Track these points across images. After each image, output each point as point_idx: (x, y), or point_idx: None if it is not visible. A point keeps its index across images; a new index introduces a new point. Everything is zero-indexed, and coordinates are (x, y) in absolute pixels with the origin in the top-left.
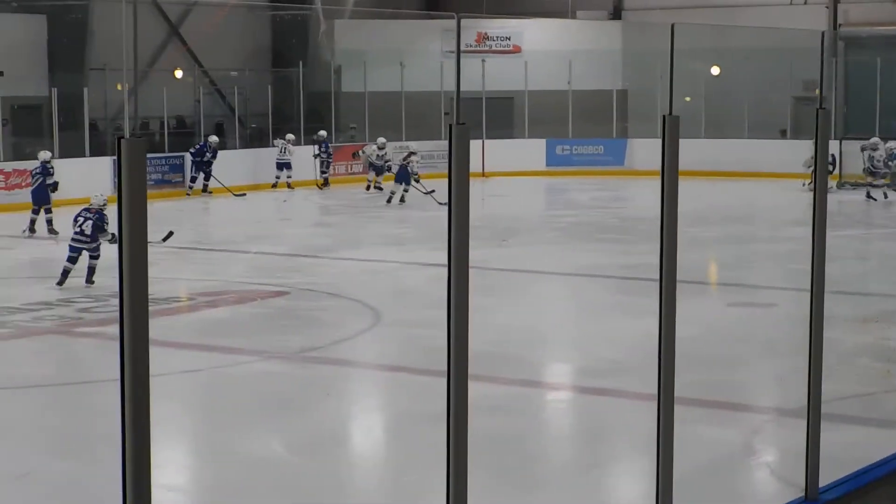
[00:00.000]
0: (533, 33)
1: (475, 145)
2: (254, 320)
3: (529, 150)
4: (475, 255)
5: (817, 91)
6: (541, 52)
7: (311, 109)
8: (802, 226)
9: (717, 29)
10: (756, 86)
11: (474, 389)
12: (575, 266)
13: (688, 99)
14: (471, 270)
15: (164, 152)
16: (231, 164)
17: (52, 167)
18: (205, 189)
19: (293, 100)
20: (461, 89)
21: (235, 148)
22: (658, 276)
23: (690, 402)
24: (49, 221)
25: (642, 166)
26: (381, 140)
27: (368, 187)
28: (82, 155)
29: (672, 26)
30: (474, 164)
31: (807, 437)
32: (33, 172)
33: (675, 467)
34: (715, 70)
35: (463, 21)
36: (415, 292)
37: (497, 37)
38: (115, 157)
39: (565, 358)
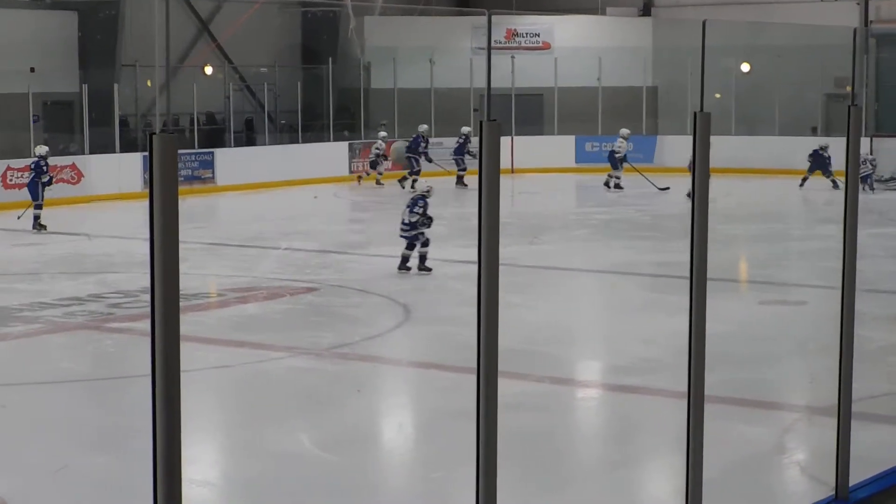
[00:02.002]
0: (563, 30)
1: (504, 142)
2: (284, 316)
3: (559, 147)
4: (505, 252)
5: (848, 88)
6: (570, 49)
7: (340, 106)
8: (834, 223)
9: (747, 26)
10: (787, 83)
11: (504, 386)
12: (606, 263)
13: (718, 96)
14: (501, 267)
15: (193, 148)
16: (261, 161)
17: (47, 163)
18: (411, 180)
19: (323, 96)
20: (491, 86)
21: (265, 144)
22: (689, 273)
23: (721, 399)
24: (36, 218)
25: (672, 163)
26: (424, 127)
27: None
28: (113, 151)
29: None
30: (504, 161)
31: (837, 436)
32: (31, 167)
33: (705, 465)
34: (745, 67)
35: (493, 18)
36: (445, 289)
37: (527, 33)
38: (147, 153)
39: (596, 355)
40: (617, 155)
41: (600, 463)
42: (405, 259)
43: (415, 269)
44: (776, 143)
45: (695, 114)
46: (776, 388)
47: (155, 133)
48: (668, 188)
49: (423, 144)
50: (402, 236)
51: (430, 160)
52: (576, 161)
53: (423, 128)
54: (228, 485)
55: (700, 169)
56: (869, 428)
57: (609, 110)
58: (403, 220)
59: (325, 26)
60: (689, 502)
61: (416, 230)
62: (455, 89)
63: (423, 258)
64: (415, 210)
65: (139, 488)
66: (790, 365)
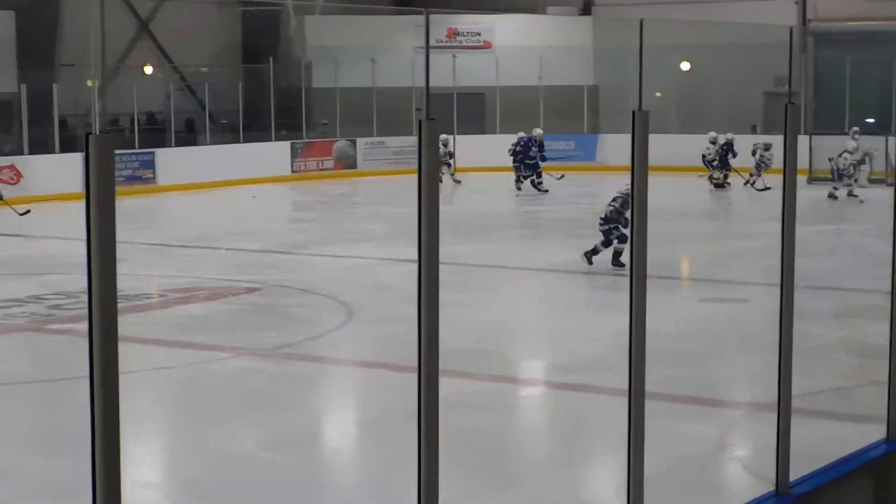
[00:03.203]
0: (503, 29)
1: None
2: (227, 317)
3: (501, 146)
4: (450, 251)
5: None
6: (511, 48)
7: (282, 106)
8: (776, 221)
9: (688, 24)
10: (727, 81)
11: (450, 386)
12: (551, 262)
13: (659, 94)
14: (446, 267)
15: (134, 148)
16: (202, 161)
17: None
18: (537, 185)
19: (264, 96)
20: (431, 85)
21: (206, 144)
22: (629, 271)
23: (665, 397)
24: None
25: (614, 162)
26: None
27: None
28: (52, 151)
29: (641, 22)
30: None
31: (777, 432)
32: None
33: (648, 463)
34: (686, 65)
35: (434, 17)
36: (389, 288)
37: (468, 32)
38: (84, 154)
39: (541, 354)
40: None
41: (545, 461)
42: (594, 251)
43: (607, 265)
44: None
45: (633, 112)
46: (720, 385)
47: (91, 133)
48: (563, 175)
49: (534, 148)
50: (600, 229)
51: (544, 159)
52: None
53: (538, 132)
54: (172, 485)
55: (639, 167)
56: (812, 423)
57: (550, 109)
58: (601, 214)
59: (265, 25)
60: (631, 500)
61: (609, 224)
62: (397, 88)
63: (616, 254)
64: (611, 203)
65: (83, 491)
66: (733, 362)
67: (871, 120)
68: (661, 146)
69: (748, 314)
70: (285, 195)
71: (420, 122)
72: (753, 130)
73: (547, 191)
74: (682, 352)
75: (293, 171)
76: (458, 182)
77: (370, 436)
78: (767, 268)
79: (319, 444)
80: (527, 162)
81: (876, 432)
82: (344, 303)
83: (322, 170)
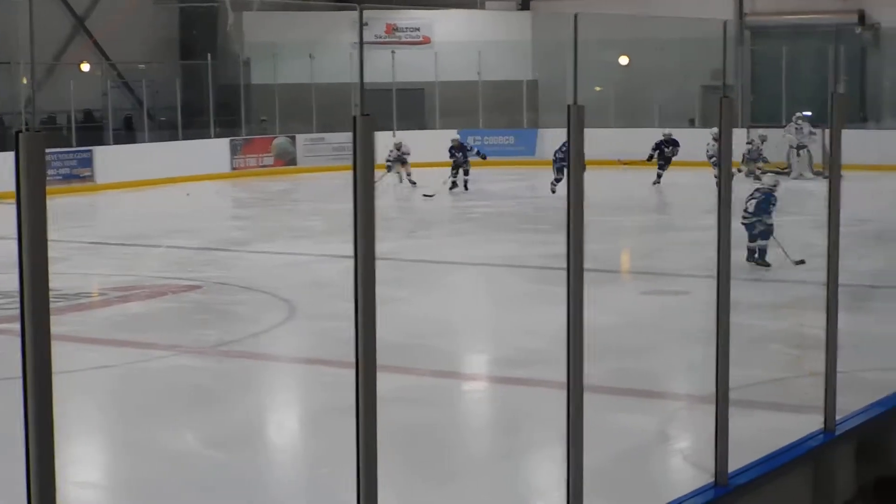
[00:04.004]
0: (442, 24)
1: (386, 136)
2: (167, 315)
3: (441, 141)
4: (388, 246)
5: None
6: (451, 44)
7: (220, 102)
8: (715, 213)
9: (628, 19)
10: (665, 75)
11: (390, 381)
12: (491, 256)
13: (598, 89)
14: (385, 262)
15: (72, 146)
16: (141, 158)
17: None
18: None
19: (202, 93)
20: (371, 80)
21: (145, 141)
22: (566, 265)
23: (606, 390)
24: None
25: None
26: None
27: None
28: None
29: (575, 17)
30: (385, 156)
31: (715, 423)
32: None
33: (590, 456)
34: (624, 60)
35: (372, 12)
36: (329, 285)
37: (407, 28)
38: (14, 152)
39: (481, 348)
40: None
41: (486, 455)
42: (750, 252)
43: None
44: (656, 134)
45: (568, 107)
46: (661, 377)
47: (21, 131)
48: (433, 195)
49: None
50: (742, 223)
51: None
52: None
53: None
54: (112, 485)
55: (574, 161)
56: (751, 414)
57: (490, 104)
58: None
59: (203, 22)
60: (571, 493)
61: (753, 219)
62: (336, 84)
63: (760, 252)
64: (754, 196)
65: (18, 493)
66: (674, 354)
67: (809, 112)
68: (602, 141)
69: (688, 306)
70: (225, 192)
71: (355, 118)
72: (691, 124)
73: (467, 189)
74: (623, 345)
75: (233, 169)
76: (414, 184)
77: (311, 432)
78: (709, 259)
79: (261, 440)
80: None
81: (814, 422)
82: (284, 299)
83: (262, 167)
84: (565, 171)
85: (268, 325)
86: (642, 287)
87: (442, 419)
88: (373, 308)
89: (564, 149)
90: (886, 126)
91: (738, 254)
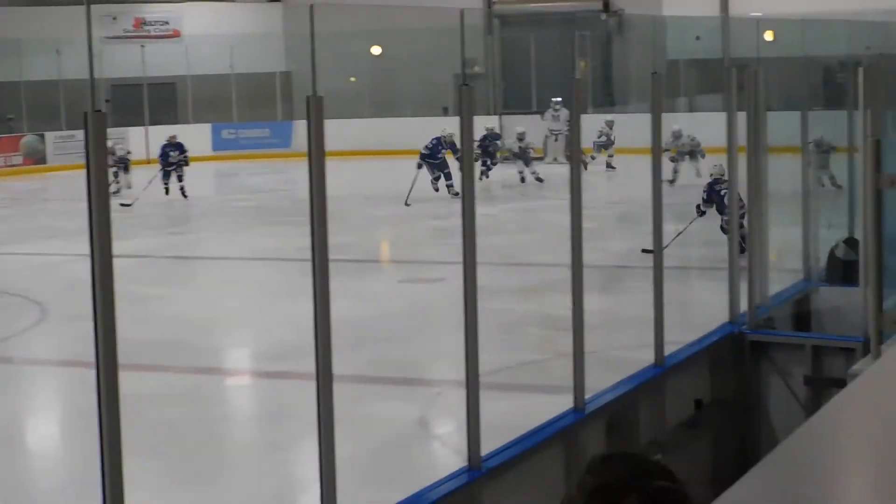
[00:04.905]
0: (192, 17)
1: (139, 132)
2: None
3: (195, 136)
4: (145, 244)
5: (475, 68)
6: (201, 36)
7: None
8: (478, 202)
9: (375, 9)
10: (418, 64)
11: (151, 380)
12: (251, 250)
13: (353, 79)
14: (142, 260)
15: None
16: None
17: None
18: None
19: None
20: (120, 76)
21: None
22: (311, 257)
23: (367, 380)
24: None
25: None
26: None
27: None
28: None
29: (311, 7)
30: (141, 151)
31: (467, 408)
32: None
33: (349, 445)
34: (376, 50)
35: (120, 6)
36: (82, 285)
37: (155, 21)
38: None
39: (244, 343)
40: None
41: (248, 450)
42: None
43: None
44: (410, 123)
45: (307, 98)
46: (418, 364)
47: None
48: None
49: (443, 150)
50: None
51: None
52: (213, 149)
53: (448, 132)
54: None
55: (315, 151)
56: (508, 397)
57: (243, 97)
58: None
59: None
60: (324, 483)
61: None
62: (84, 80)
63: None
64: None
65: None
66: (431, 341)
67: (559, 98)
68: (356, 131)
69: (444, 293)
70: None
71: (86, 114)
72: (445, 112)
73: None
74: (382, 333)
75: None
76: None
77: (66, 435)
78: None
79: (17, 445)
80: (430, 162)
81: (565, 402)
82: (37, 301)
83: (10, 166)
84: (432, 168)
85: (20, 328)
86: (401, 275)
87: (204, 415)
88: (112, 307)
89: (426, 151)
90: (633, 110)
91: (493, 239)
